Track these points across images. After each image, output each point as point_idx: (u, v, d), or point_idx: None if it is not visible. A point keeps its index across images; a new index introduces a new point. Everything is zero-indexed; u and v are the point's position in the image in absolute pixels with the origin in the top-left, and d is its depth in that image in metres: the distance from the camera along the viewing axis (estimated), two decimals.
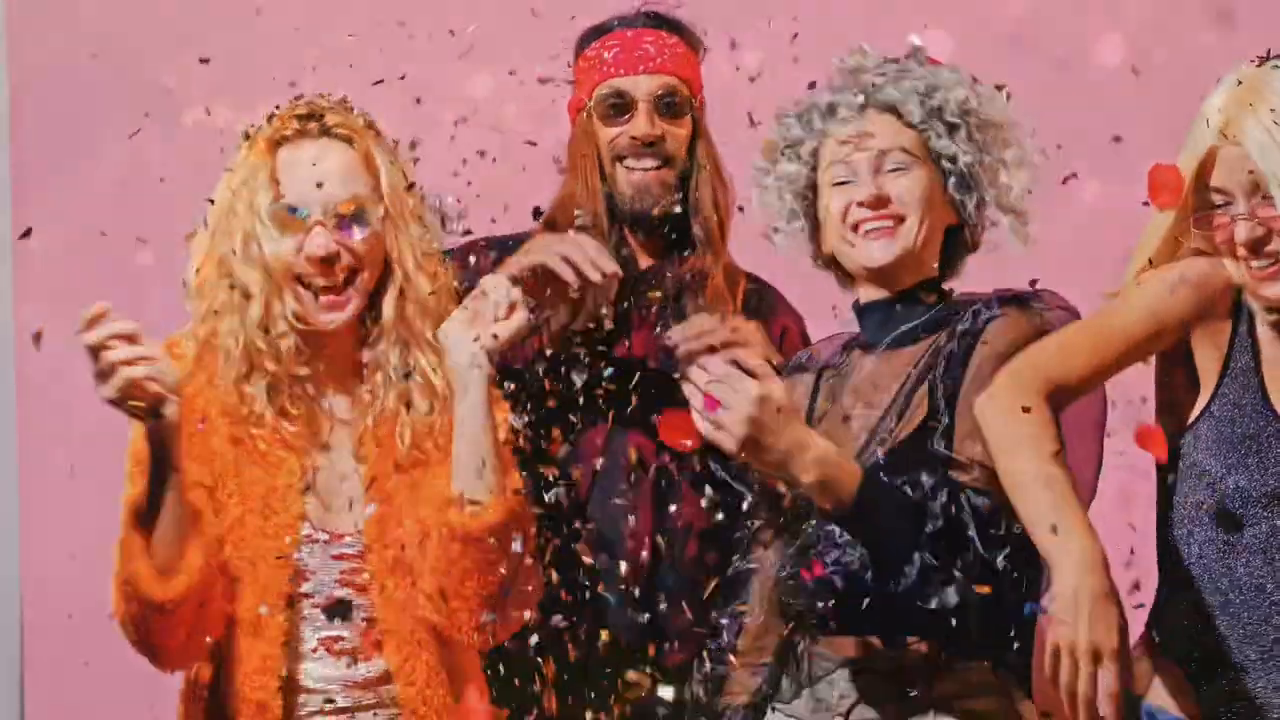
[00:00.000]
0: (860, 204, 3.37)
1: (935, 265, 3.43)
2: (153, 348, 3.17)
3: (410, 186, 3.40)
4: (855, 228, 3.38)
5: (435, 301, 3.42)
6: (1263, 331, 3.27)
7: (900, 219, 3.37)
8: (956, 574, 3.14)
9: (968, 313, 3.35)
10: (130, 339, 3.13)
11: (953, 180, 3.41)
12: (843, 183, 3.39)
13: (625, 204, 3.84)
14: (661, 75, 3.83)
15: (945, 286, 3.46)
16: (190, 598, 3.24)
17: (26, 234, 3.71)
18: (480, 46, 4.14)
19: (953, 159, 3.40)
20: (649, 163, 3.82)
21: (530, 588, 3.37)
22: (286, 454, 3.36)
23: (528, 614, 3.39)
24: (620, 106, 3.83)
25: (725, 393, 3.11)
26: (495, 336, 3.33)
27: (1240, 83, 3.21)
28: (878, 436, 3.33)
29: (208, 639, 3.31)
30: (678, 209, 3.83)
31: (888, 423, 3.33)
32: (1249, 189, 3.19)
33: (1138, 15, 4.46)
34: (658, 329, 3.77)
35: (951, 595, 3.13)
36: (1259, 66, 3.23)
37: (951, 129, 3.40)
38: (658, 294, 3.83)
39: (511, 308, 3.34)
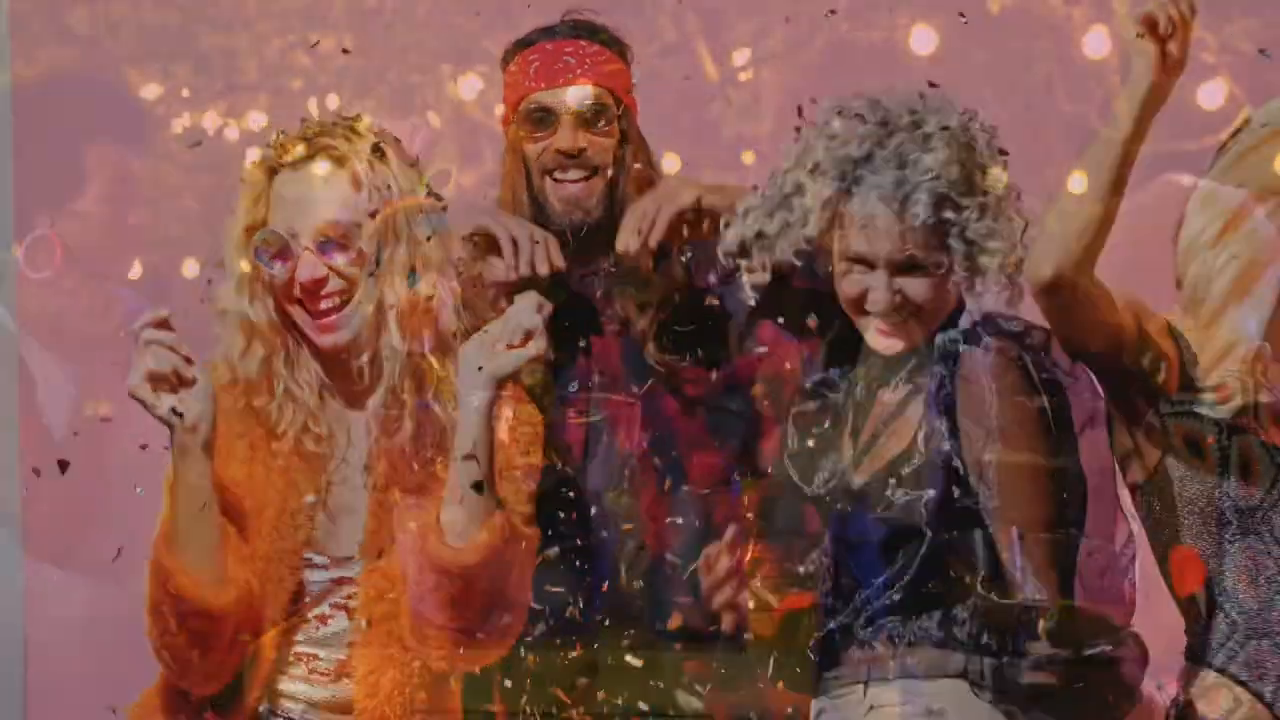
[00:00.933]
0: (878, 311, 3.36)
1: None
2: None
3: (374, 214, 3.32)
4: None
5: (430, 318, 3.35)
6: None
7: (915, 312, 3.36)
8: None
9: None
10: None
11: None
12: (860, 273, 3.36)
13: (555, 217, 3.82)
14: (584, 86, 3.80)
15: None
16: (240, 606, 3.27)
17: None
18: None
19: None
20: (574, 174, 3.81)
21: (509, 620, 3.32)
22: (303, 469, 3.36)
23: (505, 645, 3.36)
24: (544, 120, 3.82)
25: None
26: (503, 364, 3.24)
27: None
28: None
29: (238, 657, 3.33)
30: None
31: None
32: None
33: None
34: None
35: None
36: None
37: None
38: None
39: (527, 336, 3.24)
